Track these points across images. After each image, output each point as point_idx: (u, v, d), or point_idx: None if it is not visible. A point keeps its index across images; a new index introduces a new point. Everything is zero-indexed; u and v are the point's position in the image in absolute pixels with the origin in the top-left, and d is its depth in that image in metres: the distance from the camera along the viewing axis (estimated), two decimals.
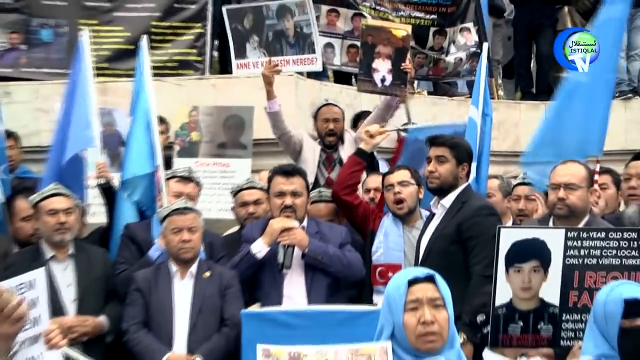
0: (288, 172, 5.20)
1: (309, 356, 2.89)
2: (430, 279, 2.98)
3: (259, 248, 4.99)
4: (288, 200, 5.05)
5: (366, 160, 5.80)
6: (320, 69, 6.54)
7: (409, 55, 6.71)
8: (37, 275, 3.34)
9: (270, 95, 6.32)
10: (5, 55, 8.27)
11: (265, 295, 5.04)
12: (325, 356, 2.90)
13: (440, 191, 4.96)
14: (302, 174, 5.27)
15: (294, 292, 5.01)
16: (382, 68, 6.59)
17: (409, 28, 7.15)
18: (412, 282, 2.96)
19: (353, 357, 2.88)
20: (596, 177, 5.68)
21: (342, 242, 5.16)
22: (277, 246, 4.96)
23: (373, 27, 7.01)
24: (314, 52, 6.22)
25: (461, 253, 4.76)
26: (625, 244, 3.66)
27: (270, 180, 5.23)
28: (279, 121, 6.42)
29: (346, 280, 5.17)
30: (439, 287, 2.97)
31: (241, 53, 6.35)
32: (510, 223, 5.55)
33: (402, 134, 6.32)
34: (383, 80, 6.44)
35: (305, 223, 5.19)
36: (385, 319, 3.03)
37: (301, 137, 6.66)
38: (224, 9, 6.61)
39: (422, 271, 3.03)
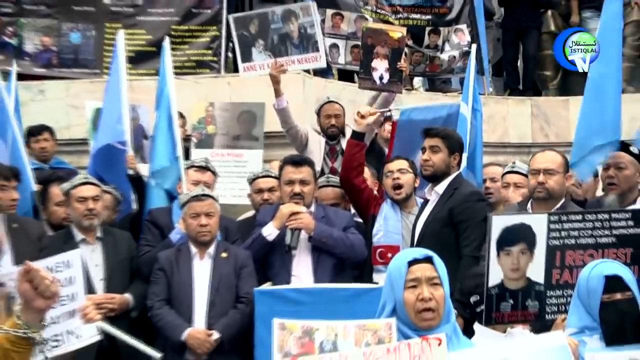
0: (297, 162, 5.21)
1: (320, 330, 2.89)
2: (428, 260, 2.98)
3: (270, 231, 4.99)
4: (297, 188, 5.05)
5: (361, 140, 5.74)
6: (325, 66, 6.54)
7: (404, 55, 6.69)
8: (73, 255, 3.38)
9: (277, 93, 6.33)
10: (39, 56, 8.33)
11: (275, 275, 5.03)
12: (334, 330, 2.89)
13: (434, 178, 4.98)
14: (310, 163, 5.26)
15: (302, 271, 5.01)
16: (380, 67, 6.55)
17: (404, 30, 7.14)
18: (411, 263, 2.96)
19: (360, 331, 2.88)
20: None
21: (346, 226, 5.15)
22: (286, 229, 4.95)
23: (372, 30, 7.00)
24: (317, 50, 6.22)
25: (453, 235, 4.77)
26: (599, 224, 3.68)
27: (281, 169, 5.22)
28: (287, 116, 6.43)
29: (350, 261, 5.16)
30: (436, 267, 2.98)
31: (247, 57, 6.35)
32: None
33: (395, 117, 6.26)
34: (381, 78, 6.40)
35: (313, 208, 5.18)
36: (388, 296, 3.03)
37: (306, 132, 6.67)
38: (230, 17, 6.60)
39: (421, 252, 3.03)
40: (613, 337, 3.08)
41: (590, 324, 3.15)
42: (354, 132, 5.73)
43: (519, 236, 3.61)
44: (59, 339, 3.27)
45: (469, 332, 3.61)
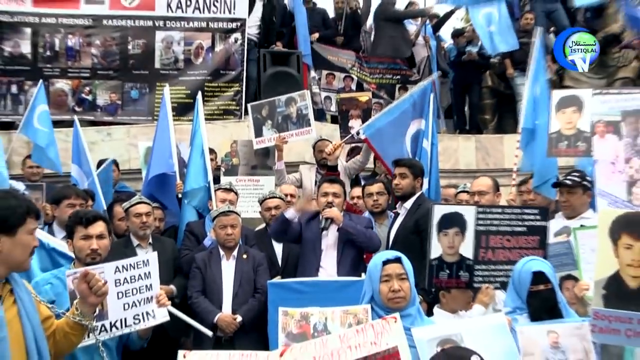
0: (332, 180, 5.17)
1: (314, 315, 2.88)
2: (398, 260, 3.03)
3: (289, 212, 4.93)
4: (330, 199, 4.95)
5: (335, 171, 5.95)
6: (315, 137, 6.55)
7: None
8: (151, 256, 3.42)
9: (279, 158, 6.30)
10: (107, 108, 8.36)
11: (307, 262, 4.93)
12: (325, 314, 2.88)
13: (403, 197, 4.98)
14: (341, 183, 5.20)
15: (328, 264, 4.88)
16: (355, 125, 6.60)
17: (369, 94, 7.22)
18: (385, 262, 3.01)
19: (344, 314, 2.88)
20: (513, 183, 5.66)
21: (366, 226, 5.03)
22: (323, 218, 4.87)
23: (345, 99, 7.10)
24: (309, 125, 6.25)
25: (418, 240, 4.71)
26: (514, 216, 3.76)
27: (319, 186, 5.17)
28: (282, 175, 6.38)
29: (369, 250, 4.96)
30: (404, 265, 3.03)
31: (259, 133, 6.39)
32: None
33: (362, 136, 6.12)
34: (358, 133, 6.31)
35: (341, 215, 5.03)
36: (367, 287, 3.08)
37: (299, 176, 6.63)
38: (249, 105, 6.66)
39: (393, 254, 3.08)
40: (536, 316, 3.12)
41: (520, 306, 3.20)
42: (328, 167, 5.94)
43: (454, 222, 3.67)
44: (139, 318, 3.28)
45: (429, 314, 3.60)
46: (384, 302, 2.95)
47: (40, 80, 7.19)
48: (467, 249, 3.68)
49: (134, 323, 3.25)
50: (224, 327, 4.70)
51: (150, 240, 5.13)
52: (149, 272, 3.34)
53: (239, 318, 4.73)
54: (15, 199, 2.63)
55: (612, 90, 3.92)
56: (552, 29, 9.73)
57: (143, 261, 3.35)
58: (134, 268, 3.29)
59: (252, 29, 8.61)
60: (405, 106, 6.17)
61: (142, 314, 3.28)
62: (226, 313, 4.76)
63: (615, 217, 2.72)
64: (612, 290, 2.70)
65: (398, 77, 9.71)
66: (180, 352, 2.65)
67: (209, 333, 3.84)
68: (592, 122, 3.86)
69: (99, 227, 3.43)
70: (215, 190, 5.70)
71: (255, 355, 2.61)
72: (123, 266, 3.26)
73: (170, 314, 3.46)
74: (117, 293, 3.18)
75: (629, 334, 2.66)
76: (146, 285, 3.32)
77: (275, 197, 5.61)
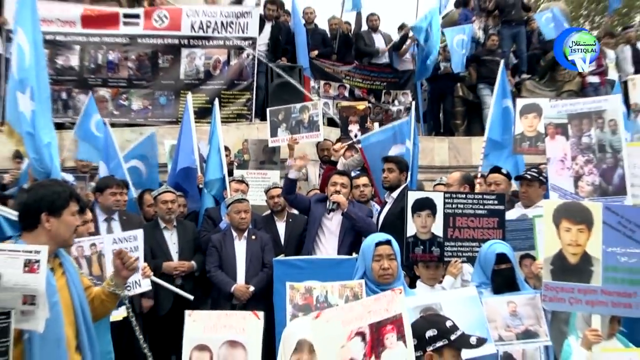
0: (341, 172, 5.15)
1: (317, 289, 2.89)
2: (388, 242, 3.04)
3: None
4: (338, 187, 4.88)
5: (335, 165, 5.93)
6: (322, 140, 6.50)
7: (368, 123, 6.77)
8: (139, 232, 3.43)
9: (291, 156, 6.23)
10: (140, 112, 8.34)
11: (309, 236, 4.89)
12: (326, 288, 2.89)
13: (391, 188, 4.96)
14: (348, 175, 5.15)
15: (330, 247, 4.83)
16: (354, 129, 6.61)
17: (366, 103, 7.28)
18: (377, 244, 3.02)
19: (342, 289, 2.89)
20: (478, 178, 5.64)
21: (367, 215, 4.95)
22: (330, 202, 4.80)
23: (344, 107, 7.09)
24: (318, 130, 6.19)
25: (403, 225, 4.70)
26: (476, 201, 3.77)
27: (330, 177, 5.09)
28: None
29: (366, 235, 4.83)
30: (393, 247, 3.03)
31: (274, 134, 6.30)
32: None
33: (358, 145, 6.15)
34: (356, 136, 6.34)
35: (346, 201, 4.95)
36: (360, 264, 3.08)
37: (306, 170, 6.54)
38: (268, 109, 6.54)
39: (384, 237, 3.08)
40: (499, 289, 3.13)
41: (485, 281, 3.21)
42: (329, 161, 5.96)
43: (425, 205, 3.69)
44: (129, 286, 3.32)
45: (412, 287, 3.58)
46: (375, 278, 2.95)
47: (90, 92, 7.27)
48: (437, 228, 3.68)
49: (127, 290, 3.26)
50: (239, 296, 4.70)
51: (175, 224, 5.10)
52: (137, 246, 3.37)
53: (252, 288, 4.73)
54: (59, 185, 2.66)
55: (566, 100, 3.90)
56: (512, 48, 9.70)
57: (133, 236, 3.38)
58: (127, 241, 3.33)
59: (262, 46, 8.59)
60: (389, 134, 6.17)
61: (132, 282, 3.32)
62: (241, 284, 4.75)
63: (556, 206, 2.81)
64: (557, 266, 2.77)
65: (384, 83, 9.81)
66: (187, 312, 2.65)
67: (190, 297, 3.82)
68: (545, 125, 3.83)
69: (88, 211, 3.41)
70: (229, 182, 5.68)
71: (235, 314, 2.64)
72: (119, 238, 3.32)
73: (153, 282, 3.46)
74: None
75: (571, 301, 2.76)
76: (134, 258, 3.33)
77: (278, 187, 5.57)
